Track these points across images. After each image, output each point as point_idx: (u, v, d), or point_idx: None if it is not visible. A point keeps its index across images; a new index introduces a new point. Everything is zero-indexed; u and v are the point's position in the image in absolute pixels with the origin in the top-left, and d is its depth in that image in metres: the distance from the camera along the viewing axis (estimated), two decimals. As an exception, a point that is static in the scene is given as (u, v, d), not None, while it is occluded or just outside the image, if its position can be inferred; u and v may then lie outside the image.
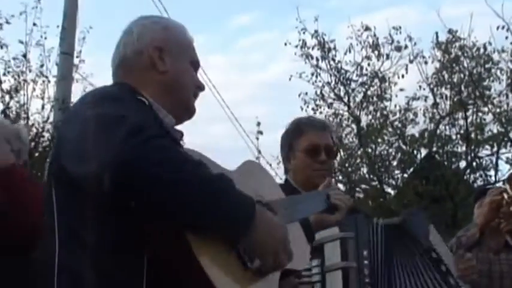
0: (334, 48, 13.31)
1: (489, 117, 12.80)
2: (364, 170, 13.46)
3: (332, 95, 13.54)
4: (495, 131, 12.75)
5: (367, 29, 13.20)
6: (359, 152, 13.41)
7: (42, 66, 9.72)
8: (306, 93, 13.54)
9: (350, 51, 13.20)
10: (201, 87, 1.90)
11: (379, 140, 13.19)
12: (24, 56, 9.84)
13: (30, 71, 9.78)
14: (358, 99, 13.50)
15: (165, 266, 1.49)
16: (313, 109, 13.52)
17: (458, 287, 2.56)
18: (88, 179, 1.46)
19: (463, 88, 12.78)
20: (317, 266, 2.43)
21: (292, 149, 2.84)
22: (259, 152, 12.40)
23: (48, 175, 1.65)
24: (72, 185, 1.52)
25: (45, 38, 9.77)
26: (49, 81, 9.60)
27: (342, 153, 13.47)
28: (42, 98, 9.62)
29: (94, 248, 1.49)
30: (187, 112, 1.87)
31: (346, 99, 13.47)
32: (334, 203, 2.21)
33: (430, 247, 2.56)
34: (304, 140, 2.81)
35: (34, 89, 9.65)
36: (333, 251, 2.40)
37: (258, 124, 12.34)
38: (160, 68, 1.79)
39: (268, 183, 1.90)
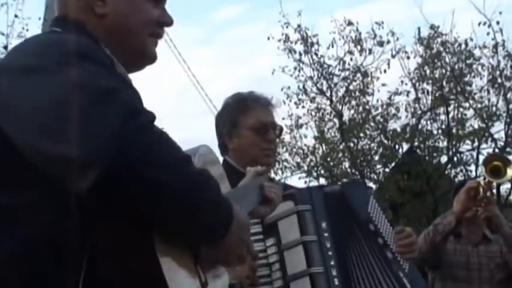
0: (317, 42, 13.35)
1: (470, 113, 12.91)
2: (346, 164, 13.52)
3: (314, 89, 13.58)
4: (476, 126, 12.86)
5: (349, 23, 13.24)
6: (341, 147, 13.45)
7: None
8: (289, 88, 13.57)
9: (333, 46, 13.24)
10: (165, 22, 1.57)
11: (361, 135, 13.23)
12: (5, 47, 9.78)
13: (10, 62, 9.66)
14: (340, 94, 13.54)
15: (111, 262, 1.29)
16: (295, 103, 13.54)
17: (397, 262, 2.43)
18: (63, 164, 1.18)
19: (444, 83, 12.85)
20: (273, 245, 2.31)
21: (236, 125, 2.60)
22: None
23: None
24: (23, 163, 1.23)
25: (27, 30, 9.73)
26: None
27: (324, 147, 13.51)
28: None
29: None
30: (143, 58, 1.57)
31: (328, 94, 13.50)
32: (268, 195, 1.97)
33: (368, 218, 2.44)
34: (251, 117, 2.59)
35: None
36: (289, 227, 2.26)
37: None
38: (97, 10, 1.48)
39: (217, 173, 1.58)
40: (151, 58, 1.58)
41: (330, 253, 2.28)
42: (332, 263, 2.27)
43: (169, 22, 1.59)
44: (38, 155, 1.22)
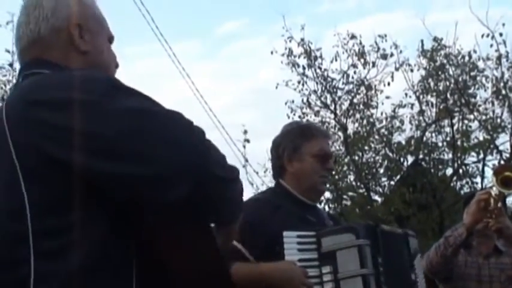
0: (321, 56, 13.37)
1: (475, 125, 12.89)
2: (351, 177, 13.48)
3: (318, 102, 13.58)
4: (481, 138, 12.83)
5: (353, 37, 13.26)
6: (346, 160, 13.42)
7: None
8: (293, 101, 13.57)
9: (336, 60, 13.26)
10: (117, 65, 1.73)
11: (366, 148, 13.22)
12: (11, 65, 9.79)
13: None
14: (344, 107, 13.55)
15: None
16: (299, 117, 13.53)
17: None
18: (150, 182, 1.30)
19: (448, 96, 12.84)
20: (329, 273, 2.42)
21: (298, 151, 2.73)
22: (246, 160, 12.38)
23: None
24: (91, 187, 1.33)
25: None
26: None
27: (329, 160, 13.48)
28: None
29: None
30: None
31: (332, 107, 13.51)
32: None
33: (412, 267, 2.66)
34: (315, 145, 2.73)
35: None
36: (348, 258, 2.38)
37: (245, 132, 12.31)
38: (81, 47, 1.58)
39: None
40: None
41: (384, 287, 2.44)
42: None
43: (118, 64, 1.78)
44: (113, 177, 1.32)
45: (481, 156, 12.69)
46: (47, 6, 1.58)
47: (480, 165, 12.76)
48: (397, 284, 2.50)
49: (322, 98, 13.49)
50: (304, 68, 13.36)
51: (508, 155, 12.40)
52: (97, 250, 1.32)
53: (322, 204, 13.31)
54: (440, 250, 4.01)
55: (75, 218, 1.32)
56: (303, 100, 13.52)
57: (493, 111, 12.71)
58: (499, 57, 12.40)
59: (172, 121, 1.35)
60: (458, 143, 12.79)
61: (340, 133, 13.51)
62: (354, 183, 13.44)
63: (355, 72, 13.34)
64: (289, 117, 13.53)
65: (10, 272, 1.30)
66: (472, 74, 12.80)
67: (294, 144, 2.74)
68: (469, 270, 4.17)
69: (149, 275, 1.37)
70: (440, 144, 13.06)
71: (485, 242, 4.19)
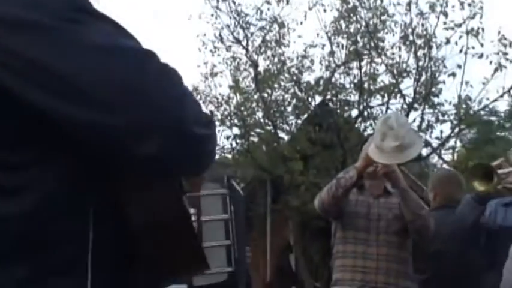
0: (235, -11, 13.19)
1: (382, 68, 13.18)
2: (260, 114, 13.59)
3: (231, 37, 13.48)
4: (387, 82, 13.15)
5: (268, -28, 13.14)
6: (255, 97, 13.49)
7: None
8: (205, 35, 13.44)
9: (251, -5, 13.12)
10: None
11: (276, 86, 13.30)
12: None
13: None
14: (256, 44, 13.51)
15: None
16: (211, 51, 13.46)
17: None
18: (116, 134, 1.13)
19: (358, 38, 13.02)
20: (193, 214, 2.57)
21: None
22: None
23: None
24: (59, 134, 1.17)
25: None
26: None
27: (238, 97, 13.53)
28: None
29: None
30: None
31: (244, 43, 13.45)
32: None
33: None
34: None
35: None
36: (214, 203, 2.62)
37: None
38: None
39: None
40: None
41: (234, 231, 2.69)
42: (235, 239, 2.70)
43: None
44: (87, 125, 1.14)
45: (386, 99, 13.05)
46: None
47: (384, 108, 13.13)
48: (241, 226, 2.84)
49: (235, 33, 13.42)
50: (217, 1, 13.20)
51: (411, 100, 12.81)
52: (52, 194, 1.19)
53: (230, 140, 13.44)
54: (331, 191, 4.19)
55: (30, 156, 1.18)
56: (215, 34, 13.41)
57: (400, 56, 13.04)
58: (409, 3, 12.63)
59: (146, 63, 1.17)
60: (365, 85, 13.06)
61: (251, 69, 13.52)
62: (262, 120, 13.56)
63: (268, 9, 13.31)
64: (200, 51, 13.44)
65: None
66: (383, 18, 13.00)
67: None
68: (359, 209, 4.37)
69: (107, 224, 1.26)
70: (347, 85, 13.32)
71: (375, 183, 4.40)
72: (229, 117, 13.51)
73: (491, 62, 12.04)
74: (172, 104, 1.16)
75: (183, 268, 1.45)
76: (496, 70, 12.00)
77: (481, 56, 12.11)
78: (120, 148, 1.16)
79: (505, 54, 11.92)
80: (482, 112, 14.80)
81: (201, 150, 1.25)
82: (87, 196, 1.23)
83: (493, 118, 22.01)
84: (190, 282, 2.49)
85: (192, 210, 2.41)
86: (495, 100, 12.77)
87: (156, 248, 1.36)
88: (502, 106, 23.65)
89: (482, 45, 12.04)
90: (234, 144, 13.45)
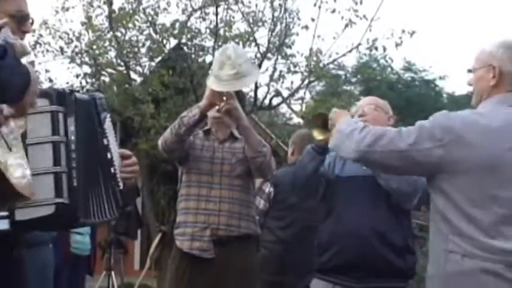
0: None
1: (238, 16, 13.21)
2: (112, 54, 13.20)
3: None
4: (242, 30, 13.22)
5: None
6: (108, 35, 13.08)
7: None
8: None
9: None
10: None
11: (130, 25, 12.94)
12: None
13: None
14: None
15: None
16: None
17: (116, 178, 2.60)
18: None
19: (216, -16, 12.93)
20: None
21: None
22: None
23: None
24: None
25: None
26: None
27: (90, 34, 13.05)
28: None
29: None
30: None
31: (99, -21, 12.92)
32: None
33: (104, 132, 2.59)
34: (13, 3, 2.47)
35: None
36: (40, 123, 2.30)
37: None
38: None
39: None
40: None
41: (73, 155, 2.37)
42: (74, 165, 2.37)
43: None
44: None
45: (240, 47, 13.11)
46: None
47: (238, 56, 13.18)
48: (89, 151, 2.47)
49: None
50: None
51: (264, 49, 12.99)
52: None
53: (80, 78, 13.01)
54: (174, 129, 4.22)
55: None
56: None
57: (256, 5, 13.12)
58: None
59: None
60: (221, 32, 13.05)
61: (105, 7, 13.05)
62: (114, 60, 13.20)
63: None
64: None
65: None
66: (240, -34, 12.98)
67: None
68: (204, 153, 4.43)
69: None
70: (203, 30, 13.23)
71: (221, 128, 4.48)
72: (79, 55, 13.03)
73: (342, 18, 12.42)
74: None
75: None
76: (346, 26, 12.41)
77: (333, 11, 12.45)
78: None
79: (356, 11, 12.33)
80: (331, 66, 15.28)
81: None
82: None
83: (340, 72, 22.90)
84: (12, 217, 2.17)
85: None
86: (344, 55, 13.24)
87: None
88: (350, 61, 24.64)
89: (335, 0, 12.37)
90: (83, 83, 13.04)
